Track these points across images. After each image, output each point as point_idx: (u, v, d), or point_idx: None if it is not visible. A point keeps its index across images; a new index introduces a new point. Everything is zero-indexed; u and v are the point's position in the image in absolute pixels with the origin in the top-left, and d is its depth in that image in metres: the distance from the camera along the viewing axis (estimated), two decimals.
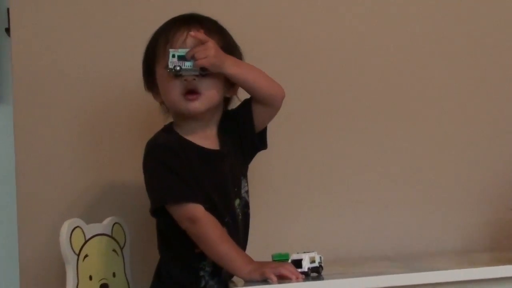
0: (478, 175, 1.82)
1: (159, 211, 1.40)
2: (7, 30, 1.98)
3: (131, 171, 1.70)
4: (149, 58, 1.47)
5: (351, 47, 1.85)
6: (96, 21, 1.83)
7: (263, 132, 1.51)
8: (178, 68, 1.37)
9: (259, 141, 1.51)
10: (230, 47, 1.46)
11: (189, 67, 1.37)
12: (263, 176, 1.75)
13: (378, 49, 1.85)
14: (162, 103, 1.49)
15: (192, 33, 1.39)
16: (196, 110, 1.41)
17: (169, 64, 1.37)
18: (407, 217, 1.81)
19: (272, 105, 1.47)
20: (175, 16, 1.48)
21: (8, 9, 1.89)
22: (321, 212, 1.81)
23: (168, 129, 1.47)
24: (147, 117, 1.74)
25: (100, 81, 1.82)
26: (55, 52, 1.82)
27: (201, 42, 1.38)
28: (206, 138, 1.46)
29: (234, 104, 1.53)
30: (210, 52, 1.37)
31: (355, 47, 1.85)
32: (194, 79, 1.39)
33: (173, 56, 1.37)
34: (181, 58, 1.37)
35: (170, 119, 1.51)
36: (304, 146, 1.83)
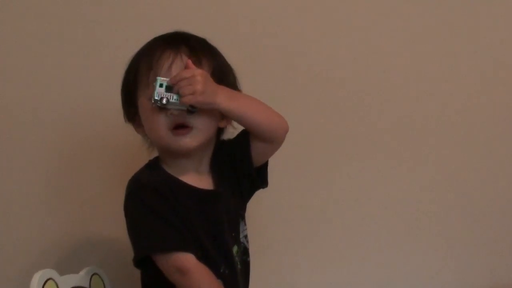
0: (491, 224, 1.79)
1: (144, 262, 1.29)
2: None
3: (111, 214, 1.57)
4: (130, 85, 1.34)
5: (355, 76, 1.79)
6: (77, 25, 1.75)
7: (263, 167, 1.39)
8: (164, 101, 1.25)
9: (258, 178, 1.39)
10: (222, 69, 1.34)
11: (176, 101, 1.25)
12: (262, 219, 1.68)
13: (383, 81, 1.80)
14: (145, 135, 1.37)
15: (188, 61, 1.27)
16: (188, 146, 1.28)
17: (155, 94, 1.25)
18: (419, 266, 1.78)
19: (273, 141, 1.35)
20: (158, 35, 1.36)
21: None
22: (328, 259, 1.78)
23: (153, 165, 1.35)
24: (127, 151, 1.68)
25: (72, 115, 1.75)
26: (23, 68, 1.75)
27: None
28: (198, 176, 1.34)
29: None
30: (197, 87, 1.23)
31: (360, 77, 1.80)
32: (181, 114, 1.28)
33: (161, 85, 1.25)
34: (170, 89, 1.25)
35: (155, 153, 1.39)
36: (307, 187, 1.79)
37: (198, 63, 1.28)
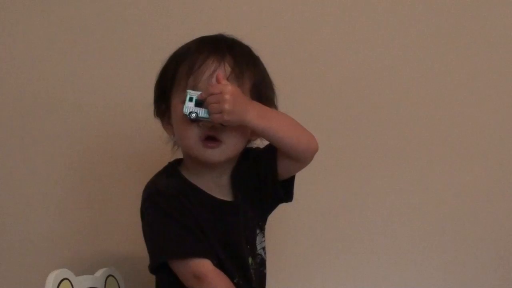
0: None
1: (160, 268, 1.28)
2: None
3: (128, 216, 1.63)
4: (166, 83, 1.31)
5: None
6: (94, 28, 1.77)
7: (290, 181, 1.36)
8: (193, 116, 1.23)
9: (283, 192, 1.36)
10: (263, 84, 1.31)
11: (206, 117, 1.23)
12: (280, 230, 1.67)
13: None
14: (172, 134, 1.35)
15: (219, 74, 1.24)
16: (215, 160, 1.27)
17: (184, 108, 1.23)
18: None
19: (301, 160, 1.31)
20: (202, 36, 1.33)
21: None
22: (341, 273, 1.78)
23: (171, 170, 1.34)
24: (147, 153, 1.69)
25: (92, 116, 1.76)
26: (39, 69, 1.76)
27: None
28: (217, 186, 1.32)
29: None
30: (224, 106, 1.20)
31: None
32: (213, 126, 1.26)
33: (190, 99, 1.23)
34: (200, 103, 1.23)
35: (178, 154, 1.38)
36: (327, 199, 1.78)
37: (240, 76, 1.26)
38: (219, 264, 1.26)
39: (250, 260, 1.32)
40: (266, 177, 1.32)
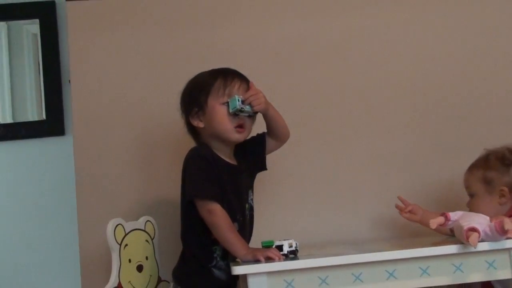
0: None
1: (191, 202, 1.71)
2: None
3: (161, 182, 2.11)
4: (202, 91, 1.77)
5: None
6: (142, 66, 2.21)
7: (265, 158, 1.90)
8: (242, 109, 1.73)
9: (263, 165, 1.89)
10: None
11: (248, 110, 1.73)
12: (261, 189, 2.03)
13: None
14: (199, 127, 1.78)
15: (251, 83, 1.77)
16: (240, 140, 1.78)
17: (237, 105, 1.72)
18: (361, 214, 2.18)
19: (283, 140, 1.86)
20: (219, 67, 1.83)
21: None
22: (298, 211, 2.18)
23: (204, 145, 1.80)
24: (177, 145, 2.05)
25: (139, 113, 2.17)
26: (108, 93, 2.17)
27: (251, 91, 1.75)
28: (228, 156, 1.82)
29: None
30: (262, 99, 1.75)
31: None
32: (245, 117, 1.75)
33: (239, 100, 1.73)
34: (242, 102, 1.74)
35: (190, 142, 1.83)
36: (295, 163, 2.18)
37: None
38: (229, 206, 1.70)
39: (247, 206, 1.82)
40: (258, 155, 1.88)
